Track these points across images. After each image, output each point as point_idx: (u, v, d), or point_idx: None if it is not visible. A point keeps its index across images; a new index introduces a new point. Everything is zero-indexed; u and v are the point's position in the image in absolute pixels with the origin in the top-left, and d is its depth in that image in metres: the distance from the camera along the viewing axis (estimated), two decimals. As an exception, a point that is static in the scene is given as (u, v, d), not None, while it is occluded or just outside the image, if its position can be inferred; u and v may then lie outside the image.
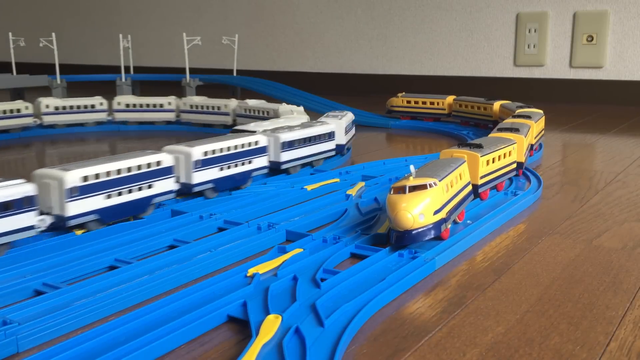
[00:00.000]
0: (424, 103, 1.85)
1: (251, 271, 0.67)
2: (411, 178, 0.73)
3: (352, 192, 1.00)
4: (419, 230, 0.70)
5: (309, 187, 1.03)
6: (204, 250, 0.75)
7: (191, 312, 0.57)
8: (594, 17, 2.40)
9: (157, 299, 0.61)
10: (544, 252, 0.76)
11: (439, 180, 0.73)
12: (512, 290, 0.64)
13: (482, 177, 0.91)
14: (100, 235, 0.81)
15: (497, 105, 1.58)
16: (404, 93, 1.92)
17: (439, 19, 2.72)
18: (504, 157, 0.99)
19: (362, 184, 1.06)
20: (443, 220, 0.73)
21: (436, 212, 0.72)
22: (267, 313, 0.57)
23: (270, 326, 0.54)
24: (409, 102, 1.88)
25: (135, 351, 0.50)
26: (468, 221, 0.85)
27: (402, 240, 0.71)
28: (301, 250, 0.73)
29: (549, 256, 0.74)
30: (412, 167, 0.75)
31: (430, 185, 0.72)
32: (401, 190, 0.72)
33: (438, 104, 1.82)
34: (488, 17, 2.61)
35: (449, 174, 0.77)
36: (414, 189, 0.71)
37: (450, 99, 1.80)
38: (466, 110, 1.71)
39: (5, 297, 0.62)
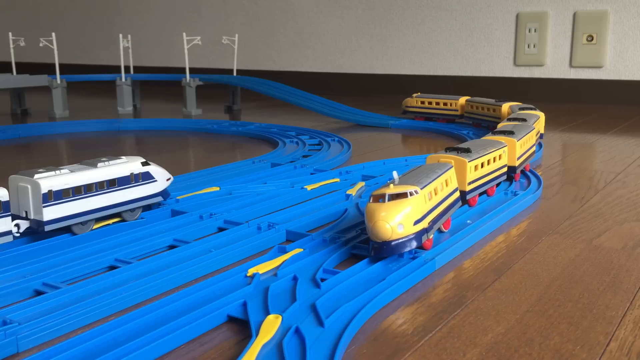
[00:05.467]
0: (437, 104, 1.84)
1: (251, 271, 0.67)
2: (392, 185, 0.70)
3: (352, 192, 1.00)
4: (398, 241, 0.67)
5: (309, 187, 1.03)
6: (204, 250, 0.75)
7: (191, 312, 0.57)
8: (594, 16, 2.40)
9: (157, 299, 0.61)
10: (544, 252, 0.76)
11: (421, 188, 0.70)
12: (512, 290, 0.64)
13: (470, 183, 0.88)
14: (100, 235, 0.81)
15: (505, 106, 1.58)
16: (419, 93, 1.92)
17: (439, 19, 2.72)
18: (494, 161, 0.96)
19: (362, 183, 1.06)
20: (424, 231, 0.70)
21: (417, 222, 0.68)
22: (267, 313, 0.57)
23: (270, 326, 0.54)
24: (422, 102, 1.87)
25: (135, 351, 0.50)
26: (468, 221, 0.85)
27: (381, 251, 0.67)
28: (301, 250, 0.73)
29: (549, 256, 0.74)
30: (395, 174, 0.72)
31: (411, 194, 0.69)
32: (381, 198, 0.69)
33: (451, 105, 1.81)
34: (488, 17, 2.61)
35: (432, 181, 0.74)
36: (394, 197, 0.68)
37: (462, 100, 1.80)
38: (477, 112, 1.71)
39: (5, 297, 0.62)
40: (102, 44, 3.73)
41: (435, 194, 0.75)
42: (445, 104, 1.83)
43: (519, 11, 2.54)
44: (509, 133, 1.07)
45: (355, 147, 1.50)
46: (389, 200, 0.68)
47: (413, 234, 0.68)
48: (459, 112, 1.80)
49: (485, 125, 1.69)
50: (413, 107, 1.90)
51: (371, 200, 0.70)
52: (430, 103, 1.86)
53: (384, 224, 0.66)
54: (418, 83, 2.77)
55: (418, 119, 1.89)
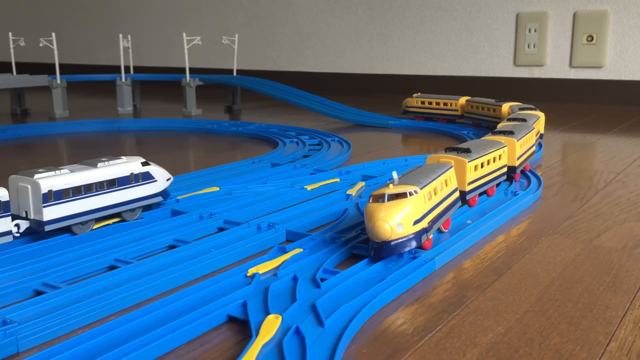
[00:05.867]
0: (437, 104, 1.84)
1: (251, 271, 0.67)
2: (391, 185, 0.70)
3: (352, 192, 1.00)
4: (398, 241, 0.67)
5: (309, 187, 1.03)
6: (204, 250, 0.75)
7: (191, 312, 0.57)
8: (594, 16, 2.40)
9: (157, 299, 0.61)
10: (544, 252, 0.76)
11: (420, 188, 0.70)
12: (512, 290, 0.64)
13: (470, 183, 0.88)
14: (100, 235, 0.81)
15: (505, 106, 1.58)
16: (419, 93, 1.92)
17: (439, 19, 2.72)
18: (494, 161, 0.95)
19: (362, 184, 1.06)
20: (424, 230, 0.70)
21: (416, 222, 0.68)
22: (267, 313, 0.57)
23: (270, 326, 0.54)
24: (423, 102, 1.87)
25: (135, 351, 0.50)
26: (468, 221, 0.85)
27: (380, 252, 0.67)
28: (301, 250, 0.73)
29: (549, 256, 0.74)
30: (394, 174, 0.72)
31: (411, 194, 0.68)
32: (380, 198, 0.69)
33: (451, 105, 1.81)
34: (488, 17, 2.61)
35: (432, 181, 0.74)
36: (393, 197, 0.68)
37: (463, 100, 1.80)
38: (477, 112, 1.71)
39: (5, 297, 0.62)
40: (102, 44, 3.73)
41: (435, 194, 0.75)
42: (445, 104, 1.83)
43: (519, 11, 2.54)
44: (509, 133, 1.07)
45: (355, 147, 1.50)
46: (388, 200, 0.68)
47: (413, 233, 0.68)
48: (459, 112, 1.80)
49: (485, 125, 1.69)
50: (413, 107, 1.90)
51: (370, 201, 0.70)
52: (430, 103, 1.86)
53: (384, 224, 0.66)
54: (418, 83, 2.77)
55: (418, 119, 1.89)
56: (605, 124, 1.91)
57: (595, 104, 2.43)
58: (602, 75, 2.43)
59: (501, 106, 1.58)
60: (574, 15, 2.44)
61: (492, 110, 1.63)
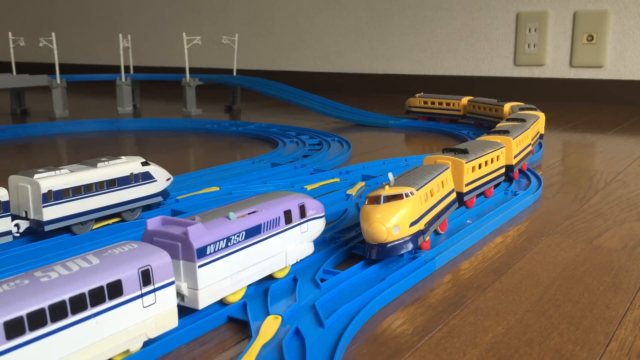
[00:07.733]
0: (440, 104, 1.85)
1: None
2: (387, 187, 0.69)
3: (352, 192, 1.00)
4: (394, 243, 0.66)
5: (309, 187, 1.03)
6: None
7: (191, 313, 0.57)
8: (594, 16, 2.40)
9: (157, 299, 0.61)
10: (544, 252, 0.76)
11: (417, 190, 0.70)
12: (512, 290, 0.64)
13: (467, 185, 0.87)
14: (100, 235, 0.81)
15: (507, 107, 1.58)
16: (422, 93, 1.92)
17: (439, 18, 2.72)
18: (491, 162, 0.95)
19: (362, 183, 1.06)
20: (421, 232, 0.69)
21: (413, 224, 0.68)
22: (267, 314, 0.57)
23: (270, 327, 0.54)
24: (425, 102, 1.88)
25: (136, 351, 0.50)
26: (468, 221, 0.85)
27: (376, 254, 0.67)
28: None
29: (549, 256, 0.74)
30: (390, 175, 0.72)
31: (407, 195, 0.68)
32: (376, 200, 0.68)
33: (453, 105, 1.81)
34: (488, 16, 2.61)
35: (428, 182, 0.74)
36: (389, 199, 0.68)
37: (465, 100, 1.80)
38: (479, 112, 1.71)
39: (5, 298, 0.62)
40: (102, 44, 3.73)
41: (432, 195, 0.75)
42: (447, 104, 1.83)
43: (519, 11, 2.54)
44: (505, 132, 1.07)
45: (355, 147, 1.50)
46: (384, 201, 0.68)
47: (409, 235, 0.67)
48: (462, 112, 1.80)
49: (487, 125, 1.69)
50: (416, 107, 1.90)
51: (366, 202, 0.69)
52: (433, 103, 1.86)
53: (380, 226, 0.66)
54: (418, 83, 2.77)
55: (421, 119, 1.89)
56: (605, 124, 1.91)
57: (595, 104, 2.43)
58: (602, 75, 2.43)
59: (503, 106, 1.58)
60: (574, 15, 2.44)
61: (494, 110, 1.63)
